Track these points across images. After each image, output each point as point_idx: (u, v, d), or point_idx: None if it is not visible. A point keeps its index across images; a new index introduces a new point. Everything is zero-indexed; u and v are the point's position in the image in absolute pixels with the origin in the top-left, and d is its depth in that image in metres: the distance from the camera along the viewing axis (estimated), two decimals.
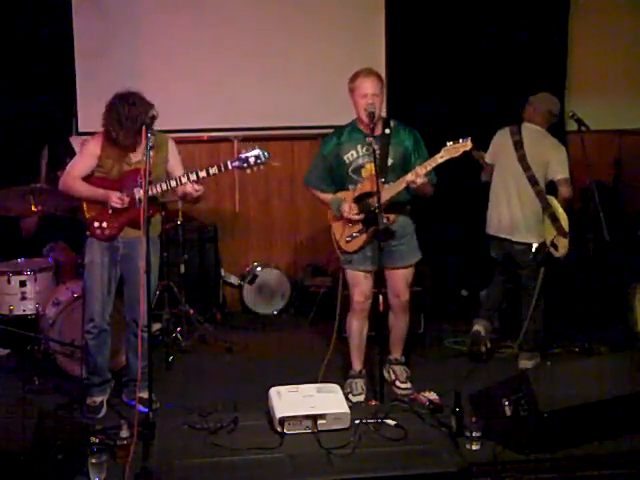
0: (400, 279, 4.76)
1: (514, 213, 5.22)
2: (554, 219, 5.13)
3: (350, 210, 4.61)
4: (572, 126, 5.79)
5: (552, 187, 5.29)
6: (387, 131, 4.64)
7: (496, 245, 5.35)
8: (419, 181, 4.45)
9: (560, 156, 5.21)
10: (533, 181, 5.15)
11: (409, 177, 4.46)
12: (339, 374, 5.01)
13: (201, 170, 4.41)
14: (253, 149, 4.41)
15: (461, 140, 4.40)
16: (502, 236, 5.28)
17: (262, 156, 4.40)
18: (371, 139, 4.46)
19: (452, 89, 6.52)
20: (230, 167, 4.41)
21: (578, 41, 6.88)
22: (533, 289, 5.27)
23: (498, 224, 5.30)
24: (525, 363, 5.30)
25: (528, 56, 6.68)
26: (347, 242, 4.70)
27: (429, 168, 4.48)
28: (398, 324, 4.89)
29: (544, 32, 6.73)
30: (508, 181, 5.23)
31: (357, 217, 4.61)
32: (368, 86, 4.56)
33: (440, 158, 4.46)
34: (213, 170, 4.40)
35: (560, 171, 5.18)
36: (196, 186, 4.45)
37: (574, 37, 6.86)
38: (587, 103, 6.59)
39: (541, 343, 5.39)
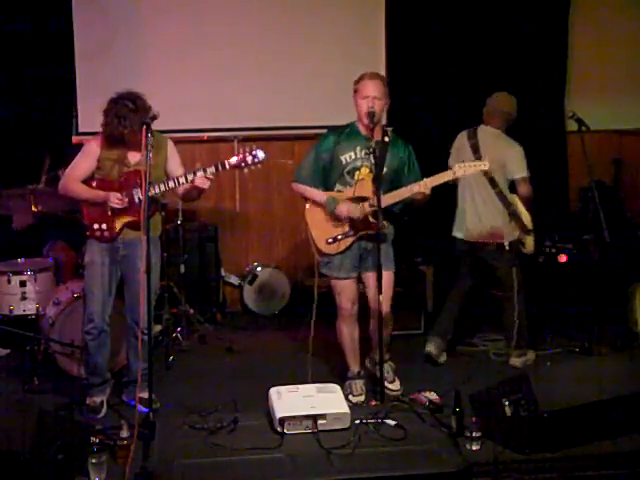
0: (384, 283, 4.54)
1: (481, 216, 5.21)
2: (516, 218, 5.15)
3: (349, 210, 4.57)
4: (572, 126, 5.80)
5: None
6: (386, 139, 4.63)
7: (466, 249, 5.32)
8: (427, 192, 4.49)
9: (516, 155, 5.16)
10: (493, 183, 5.14)
11: (417, 187, 4.47)
12: (336, 375, 5.00)
13: (198, 170, 4.41)
14: (251, 149, 4.43)
15: (477, 161, 4.54)
16: (472, 240, 5.27)
17: (259, 156, 4.41)
18: (372, 142, 4.44)
19: (452, 89, 6.53)
20: (227, 166, 4.42)
21: (578, 41, 6.89)
22: (511, 289, 5.27)
23: (467, 228, 5.28)
24: (515, 361, 5.32)
25: (528, 56, 6.68)
26: (328, 244, 4.66)
27: (441, 181, 4.52)
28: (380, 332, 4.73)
29: (544, 32, 6.73)
30: (471, 185, 5.20)
31: (358, 216, 4.56)
32: (371, 89, 4.56)
33: (453, 174, 4.51)
34: (211, 169, 4.41)
35: (517, 170, 5.15)
36: (205, 179, 4.40)
37: (574, 37, 6.87)
38: (587, 103, 6.60)
39: (527, 339, 5.37)
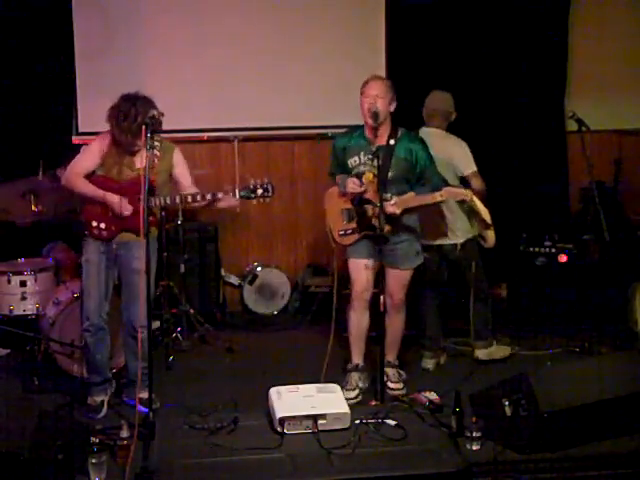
0: (394, 279, 4.76)
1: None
2: (474, 214, 5.14)
3: (354, 185, 4.62)
4: (572, 126, 5.80)
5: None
6: (392, 142, 4.66)
7: (428, 250, 5.32)
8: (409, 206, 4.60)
9: (462, 152, 5.15)
10: (445, 183, 5.11)
11: (398, 207, 4.56)
12: (341, 373, 5.00)
13: (207, 193, 4.48)
14: (263, 182, 4.47)
15: (462, 188, 4.63)
16: (431, 242, 5.26)
17: (269, 189, 4.46)
18: (373, 147, 4.51)
19: (452, 89, 6.51)
20: (237, 197, 4.48)
21: (578, 41, 6.89)
22: (468, 285, 5.30)
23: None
24: (478, 353, 5.37)
25: (528, 56, 6.68)
26: (340, 236, 4.79)
27: (423, 203, 4.60)
28: (392, 325, 4.85)
29: (544, 32, 6.73)
30: None
31: (360, 190, 4.61)
32: (372, 87, 4.61)
33: (440, 197, 4.57)
34: (220, 195, 4.48)
35: (465, 166, 5.13)
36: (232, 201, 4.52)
37: (574, 37, 6.86)
38: (587, 103, 6.59)
39: (490, 330, 5.39)
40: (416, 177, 4.69)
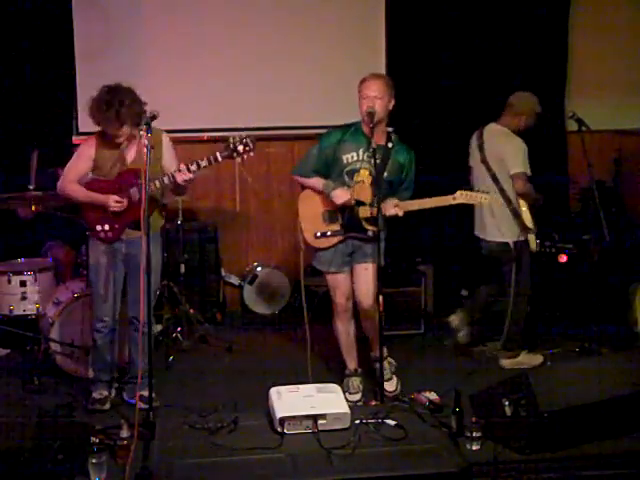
0: (362, 276, 4.69)
1: (485, 213, 5.22)
2: (516, 215, 5.14)
3: (346, 197, 4.57)
4: (572, 126, 5.81)
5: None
6: (390, 145, 4.65)
7: (481, 245, 5.37)
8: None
9: (513, 151, 5.14)
10: (495, 180, 5.13)
11: (400, 210, 4.53)
12: (337, 374, 5.01)
13: (191, 163, 4.40)
14: (241, 137, 4.40)
15: (480, 191, 4.56)
16: (480, 236, 5.32)
17: (249, 142, 4.39)
18: (373, 145, 4.46)
19: (452, 89, 6.52)
20: (220, 159, 4.41)
21: (578, 41, 6.89)
22: (509, 286, 5.29)
23: (477, 225, 5.35)
24: (503, 362, 5.36)
25: (528, 56, 6.68)
26: (315, 238, 4.71)
27: (432, 206, 4.56)
28: (367, 326, 4.83)
29: (544, 32, 6.73)
30: (478, 182, 5.21)
31: (350, 203, 4.58)
32: (371, 88, 4.57)
33: (453, 200, 4.54)
34: (204, 163, 4.41)
35: (512, 165, 5.11)
36: (184, 176, 4.39)
37: (574, 37, 6.87)
38: (587, 103, 6.60)
39: (519, 343, 5.38)
40: (399, 182, 4.67)
